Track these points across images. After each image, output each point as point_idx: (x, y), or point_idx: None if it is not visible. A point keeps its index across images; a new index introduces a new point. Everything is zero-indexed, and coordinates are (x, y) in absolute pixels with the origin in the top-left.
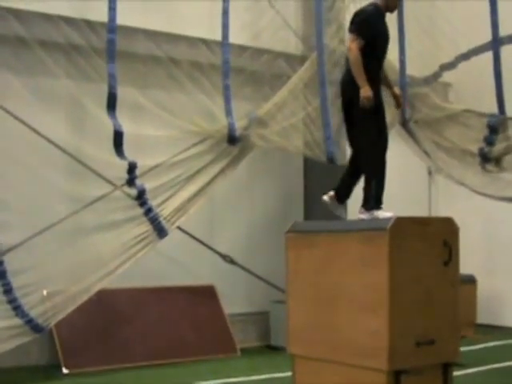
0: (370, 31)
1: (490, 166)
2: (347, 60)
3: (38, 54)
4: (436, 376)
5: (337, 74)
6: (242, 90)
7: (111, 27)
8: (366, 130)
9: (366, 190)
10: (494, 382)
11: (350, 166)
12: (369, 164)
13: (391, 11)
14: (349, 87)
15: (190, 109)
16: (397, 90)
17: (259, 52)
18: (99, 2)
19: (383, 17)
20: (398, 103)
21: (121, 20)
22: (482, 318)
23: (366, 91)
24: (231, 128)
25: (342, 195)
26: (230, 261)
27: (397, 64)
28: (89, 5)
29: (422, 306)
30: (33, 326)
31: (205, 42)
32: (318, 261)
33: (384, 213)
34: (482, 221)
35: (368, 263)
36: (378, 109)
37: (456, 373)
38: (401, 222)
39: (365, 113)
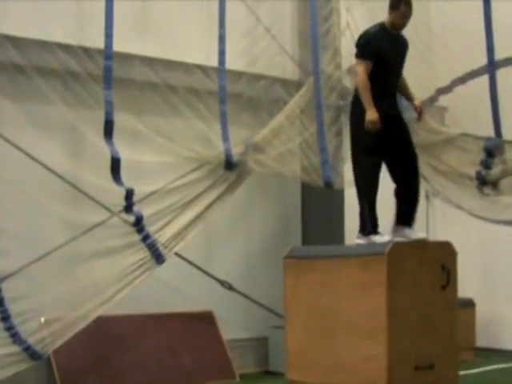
0: (374, 51)
1: (487, 190)
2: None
3: (35, 80)
4: None
5: (333, 99)
6: (239, 115)
7: (108, 54)
8: (354, 157)
9: (362, 214)
10: None
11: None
12: (359, 188)
13: (398, 30)
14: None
15: (186, 135)
16: (417, 102)
17: (256, 78)
18: (96, 29)
19: (389, 35)
20: (419, 116)
21: (117, 47)
22: (481, 341)
23: (371, 115)
24: (228, 154)
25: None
26: (229, 287)
27: None
28: (86, 32)
29: (421, 330)
30: (31, 353)
31: (201, 68)
32: (316, 286)
33: (381, 237)
34: (480, 244)
35: (366, 288)
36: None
37: None
38: (398, 247)
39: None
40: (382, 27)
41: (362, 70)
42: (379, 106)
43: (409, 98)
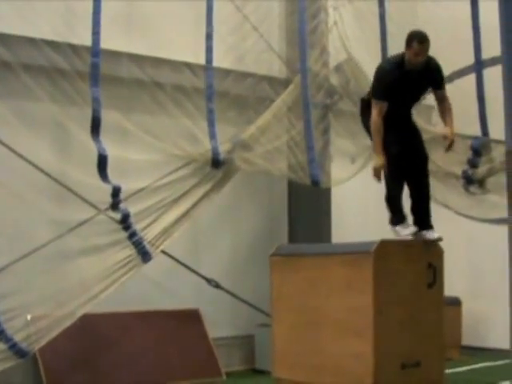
0: (387, 90)
1: (473, 188)
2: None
3: (22, 78)
4: None
5: (320, 97)
6: (226, 113)
7: (95, 51)
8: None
9: (388, 207)
10: None
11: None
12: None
13: (413, 66)
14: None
15: (173, 132)
16: (450, 131)
17: (243, 75)
18: (83, 26)
19: (404, 69)
20: (448, 145)
21: (105, 44)
22: (467, 339)
23: (377, 162)
24: (215, 152)
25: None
26: (215, 285)
27: None
28: (73, 29)
29: (407, 328)
30: (17, 350)
31: (189, 65)
32: (303, 284)
33: (404, 229)
34: (467, 243)
35: (352, 286)
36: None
37: None
38: (385, 245)
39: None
40: (398, 61)
41: (375, 112)
42: (392, 132)
43: (445, 121)
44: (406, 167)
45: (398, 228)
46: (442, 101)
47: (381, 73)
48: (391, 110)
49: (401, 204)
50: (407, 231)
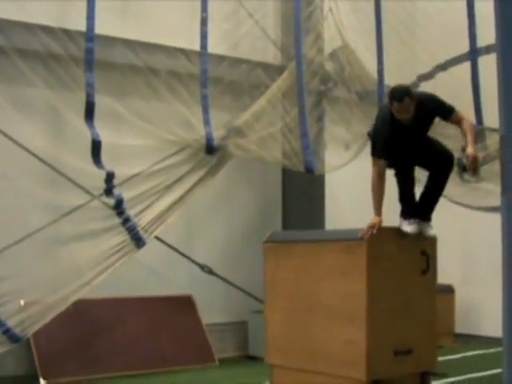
0: (382, 150)
1: (467, 176)
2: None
3: (17, 62)
4: None
5: (315, 84)
6: (220, 99)
7: (89, 36)
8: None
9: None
10: None
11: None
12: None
13: (401, 122)
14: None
15: (167, 118)
16: (471, 150)
17: (237, 62)
18: (77, 12)
19: (394, 120)
20: (471, 167)
21: (99, 29)
22: (459, 327)
23: (373, 219)
24: (209, 138)
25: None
26: (209, 271)
27: (375, 74)
28: (67, 14)
29: (400, 315)
30: (10, 336)
31: (183, 51)
32: (296, 270)
33: (407, 226)
34: (460, 231)
35: (346, 273)
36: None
37: (434, 382)
38: (379, 232)
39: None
40: (384, 111)
41: (374, 172)
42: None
43: (465, 143)
44: (413, 165)
45: (402, 221)
46: (459, 123)
47: (374, 131)
48: (395, 159)
49: (411, 199)
50: (408, 228)
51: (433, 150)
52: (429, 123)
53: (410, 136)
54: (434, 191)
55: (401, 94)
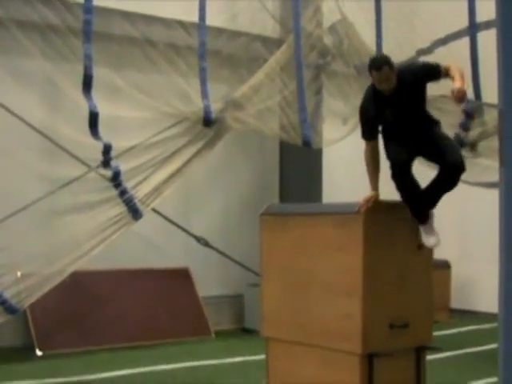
0: (370, 130)
1: (465, 152)
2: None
3: (14, 33)
4: (409, 359)
5: (313, 57)
6: (219, 72)
7: (88, 8)
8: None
9: None
10: (467, 366)
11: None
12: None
13: (383, 92)
14: None
15: (165, 91)
16: (458, 84)
17: (236, 34)
18: None
19: (378, 95)
20: (456, 98)
21: (97, 1)
22: (455, 303)
23: (369, 195)
24: (207, 110)
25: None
26: (205, 243)
27: (373, 48)
28: None
29: (396, 289)
30: (7, 307)
31: (181, 23)
32: (292, 243)
33: (428, 237)
34: (457, 206)
35: (342, 246)
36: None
37: (429, 357)
38: (375, 206)
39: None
40: (373, 89)
41: (366, 149)
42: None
43: (453, 81)
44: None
45: (421, 230)
46: (447, 74)
47: (360, 114)
48: (389, 131)
49: (416, 200)
50: (429, 241)
51: (441, 147)
52: (416, 93)
53: (397, 108)
54: (434, 191)
55: (379, 62)
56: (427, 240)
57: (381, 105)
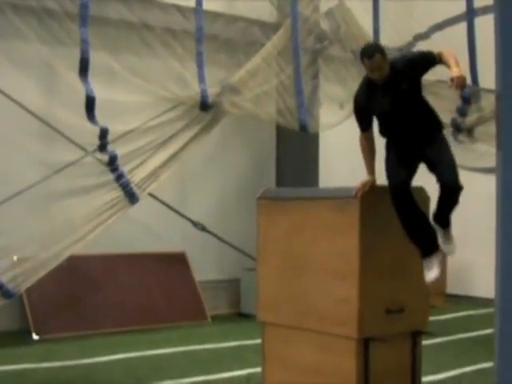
0: (363, 120)
1: (462, 137)
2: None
3: (10, 17)
4: (405, 344)
5: (311, 42)
6: (216, 56)
7: None
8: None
9: None
10: (463, 351)
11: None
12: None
13: (376, 81)
14: None
15: (162, 75)
16: (456, 72)
17: (233, 19)
18: None
19: (371, 85)
20: (457, 86)
21: None
22: (451, 288)
23: (365, 179)
24: (203, 95)
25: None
26: (202, 228)
27: (371, 33)
28: None
29: (392, 273)
30: (3, 291)
31: (178, 8)
32: (289, 227)
33: (428, 271)
34: None
35: (339, 231)
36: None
37: (425, 342)
38: (372, 190)
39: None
40: (366, 81)
41: (359, 138)
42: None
43: (448, 67)
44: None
45: (423, 263)
46: (440, 60)
47: (353, 107)
48: (386, 125)
49: (416, 226)
50: (429, 276)
51: (438, 165)
52: (411, 81)
53: (391, 97)
54: (439, 211)
55: (371, 50)
56: (427, 274)
57: (374, 94)
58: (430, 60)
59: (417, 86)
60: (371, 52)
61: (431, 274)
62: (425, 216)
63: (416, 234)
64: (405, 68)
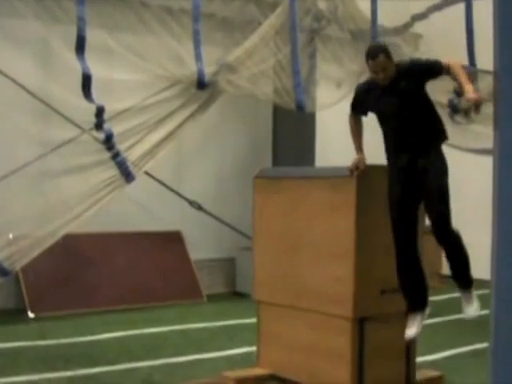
0: (358, 105)
1: (458, 118)
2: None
3: None
4: (400, 324)
5: (308, 22)
6: (213, 35)
7: None
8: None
9: None
10: (458, 332)
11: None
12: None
13: (379, 83)
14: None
15: (159, 53)
16: (471, 92)
17: None
18: None
19: (376, 86)
20: (475, 110)
21: None
22: (447, 268)
23: (355, 159)
24: (200, 73)
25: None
26: (198, 207)
27: (368, 13)
28: None
29: (388, 253)
30: None
31: None
32: (285, 206)
33: (409, 327)
34: (450, 172)
35: (335, 209)
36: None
37: None
38: (369, 169)
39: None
40: (371, 79)
41: (349, 117)
42: (392, 159)
43: (459, 86)
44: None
45: (408, 316)
46: (448, 72)
47: (356, 86)
48: (385, 133)
49: (412, 284)
50: (410, 332)
51: (429, 196)
52: (414, 85)
53: (393, 98)
54: (455, 258)
55: (375, 50)
56: (407, 330)
57: (376, 92)
58: (435, 68)
59: (419, 90)
60: (375, 53)
61: (411, 331)
62: (422, 270)
63: (408, 287)
64: (408, 69)
